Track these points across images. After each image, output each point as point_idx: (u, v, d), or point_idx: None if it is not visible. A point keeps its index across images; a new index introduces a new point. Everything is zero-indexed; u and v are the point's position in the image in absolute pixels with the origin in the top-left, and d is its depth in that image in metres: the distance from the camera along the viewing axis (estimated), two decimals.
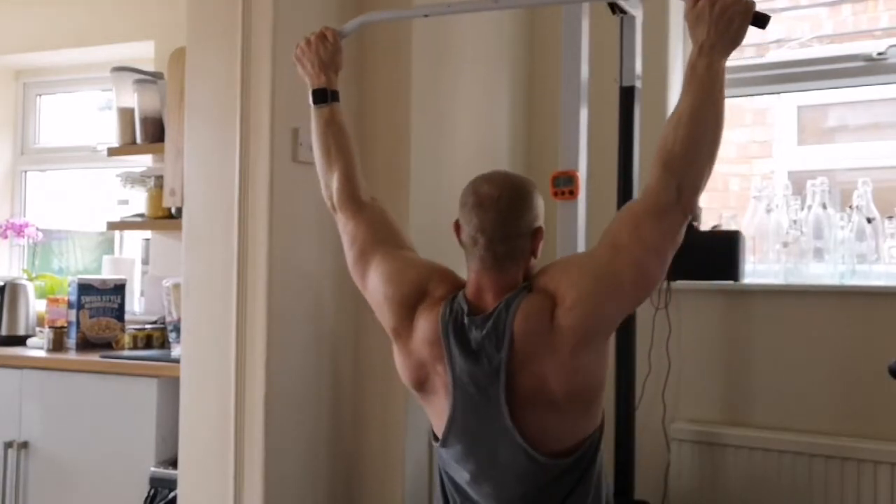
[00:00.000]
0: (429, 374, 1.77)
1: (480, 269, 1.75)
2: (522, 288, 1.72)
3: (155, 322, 3.25)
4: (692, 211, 1.67)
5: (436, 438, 1.81)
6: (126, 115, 3.28)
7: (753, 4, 1.62)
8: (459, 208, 1.79)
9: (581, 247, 2.19)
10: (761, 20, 1.63)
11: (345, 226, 1.98)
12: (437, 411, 1.80)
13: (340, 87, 2.07)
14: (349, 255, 1.96)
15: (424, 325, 1.76)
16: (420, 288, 1.81)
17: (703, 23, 1.60)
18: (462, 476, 1.77)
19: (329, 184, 2.01)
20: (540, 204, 1.80)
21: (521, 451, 1.69)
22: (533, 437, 1.69)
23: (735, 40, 1.62)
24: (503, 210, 1.73)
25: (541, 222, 1.79)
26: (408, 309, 1.79)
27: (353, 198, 1.98)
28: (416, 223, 2.48)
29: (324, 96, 1.99)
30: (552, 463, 1.70)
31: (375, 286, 1.86)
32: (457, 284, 1.81)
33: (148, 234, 3.58)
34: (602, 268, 1.68)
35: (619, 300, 1.71)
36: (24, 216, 4.07)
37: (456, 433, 1.75)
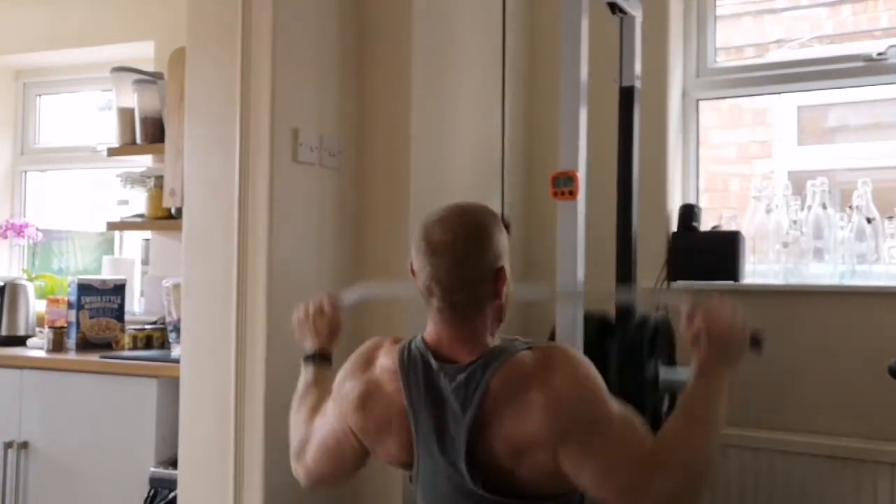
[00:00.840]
0: (401, 438, 1.67)
1: (440, 321, 1.64)
2: (514, 346, 1.61)
3: (155, 322, 3.25)
4: None
5: (410, 478, 1.73)
6: (126, 115, 3.28)
7: (747, 328, 1.62)
8: (413, 251, 1.66)
9: (581, 247, 2.19)
10: (757, 344, 1.66)
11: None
12: (402, 453, 1.71)
13: (341, 87, 2.06)
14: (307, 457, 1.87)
15: (382, 372, 1.68)
16: (363, 366, 1.73)
17: (701, 346, 1.60)
18: None
19: (297, 434, 1.91)
20: (501, 241, 1.65)
21: (486, 501, 1.60)
22: (500, 492, 1.60)
23: (733, 361, 1.62)
24: (458, 256, 1.60)
25: (503, 262, 1.64)
26: (360, 399, 1.70)
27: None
28: (415, 223, 2.48)
29: (312, 358, 1.95)
30: None
31: (329, 432, 1.78)
32: (395, 339, 1.73)
33: (148, 234, 3.58)
34: (598, 438, 1.55)
35: (580, 469, 1.56)
36: (24, 216, 4.08)
37: (422, 484, 1.68)
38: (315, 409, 1.87)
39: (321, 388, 1.90)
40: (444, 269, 1.60)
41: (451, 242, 1.60)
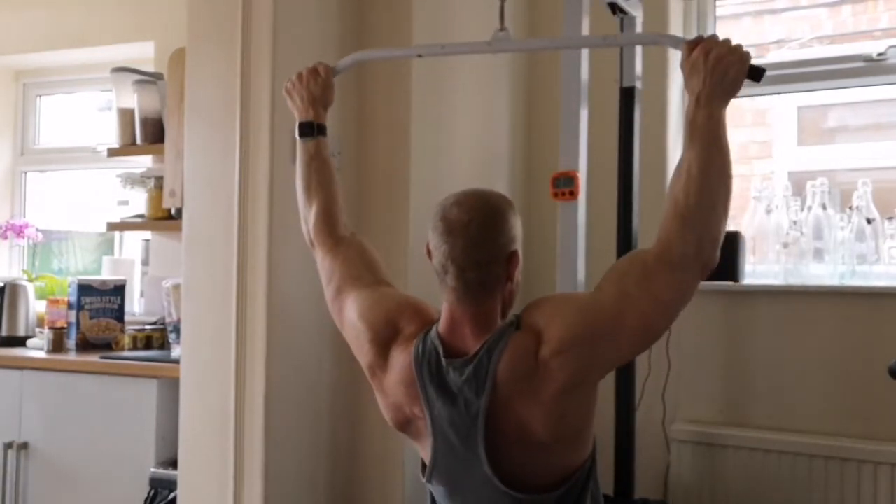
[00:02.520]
0: (407, 416, 1.71)
1: (453, 301, 1.65)
2: (507, 326, 1.63)
3: (155, 323, 3.25)
4: (714, 265, 1.58)
5: (423, 471, 1.75)
6: (126, 115, 3.28)
7: (749, 55, 1.59)
8: (430, 232, 1.69)
9: (581, 247, 2.19)
10: (757, 73, 1.61)
11: (322, 261, 1.91)
12: (422, 448, 1.74)
13: (341, 87, 2.06)
14: (327, 291, 1.88)
15: (397, 365, 1.69)
16: (392, 325, 1.73)
17: (699, 73, 1.57)
18: None
19: (307, 218, 1.96)
20: (515, 225, 1.68)
21: (505, 496, 1.62)
22: (516, 480, 1.62)
23: (731, 90, 1.58)
24: (473, 236, 1.62)
25: (516, 246, 1.67)
26: (381, 347, 1.72)
27: (330, 232, 1.92)
28: (416, 224, 2.49)
29: (310, 130, 1.94)
30: (538, 499, 1.64)
31: (350, 323, 1.79)
32: (428, 320, 1.73)
33: (148, 234, 3.58)
34: (603, 313, 1.59)
35: (615, 350, 1.62)
36: (24, 217, 4.07)
37: (438, 476, 1.70)
38: (323, 183, 1.93)
39: (324, 161, 1.95)
40: (460, 247, 1.63)
41: (467, 222, 1.63)
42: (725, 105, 1.59)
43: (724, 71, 1.56)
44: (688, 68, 1.59)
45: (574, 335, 1.58)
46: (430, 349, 1.66)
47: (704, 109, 1.56)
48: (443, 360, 1.64)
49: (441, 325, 1.68)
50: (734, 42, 1.58)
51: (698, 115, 1.57)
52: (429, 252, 1.70)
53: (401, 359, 1.69)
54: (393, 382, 1.70)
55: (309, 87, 1.95)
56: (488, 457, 1.61)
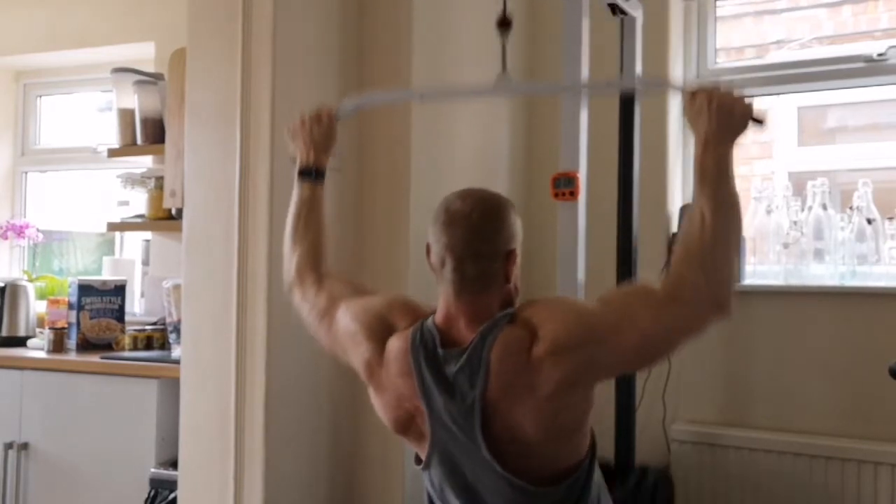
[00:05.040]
0: (407, 409, 1.70)
1: (450, 294, 1.65)
2: (502, 317, 1.63)
3: (155, 323, 3.25)
4: (728, 304, 1.59)
5: (418, 461, 1.75)
6: (126, 116, 3.28)
7: (751, 104, 1.62)
8: (430, 226, 1.69)
9: (581, 247, 2.19)
10: (759, 119, 1.64)
11: (304, 295, 1.90)
12: (421, 444, 1.73)
13: (342, 88, 2.06)
14: (311, 318, 1.88)
15: (393, 356, 1.69)
16: (386, 322, 1.73)
17: (703, 117, 1.60)
18: (451, 500, 1.73)
19: (290, 258, 1.94)
20: (515, 224, 1.69)
21: (505, 480, 1.63)
22: (516, 469, 1.62)
23: (738, 130, 1.61)
24: (474, 228, 1.64)
25: (515, 245, 1.67)
26: (377, 342, 1.72)
27: (313, 267, 1.91)
28: (416, 225, 2.49)
29: (308, 175, 1.95)
30: (540, 492, 1.64)
31: (344, 328, 1.79)
32: (421, 314, 1.73)
33: (148, 235, 3.58)
34: (602, 323, 1.59)
35: (609, 364, 1.62)
36: (25, 217, 4.07)
37: (439, 459, 1.69)
38: (311, 227, 1.92)
39: (317, 205, 1.94)
40: (460, 238, 1.64)
41: (468, 214, 1.65)
42: (732, 145, 1.61)
43: (729, 114, 1.59)
44: (693, 113, 1.62)
45: (570, 339, 1.58)
46: (426, 338, 1.66)
47: (713, 153, 1.59)
48: (439, 349, 1.64)
49: (437, 316, 1.69)
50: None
51: (707, 160, 1.60)
52: (428, 250, 1.70)
53: (397, 346, 1.69)
54: (390, 374, 1.70)
55: (312, 133, 1.96)
56: (487, 444, 1.61)
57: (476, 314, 1.64)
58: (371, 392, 1.77)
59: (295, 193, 1.97)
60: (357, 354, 1.76)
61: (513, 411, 1.59)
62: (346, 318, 1.79)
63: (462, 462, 1.67)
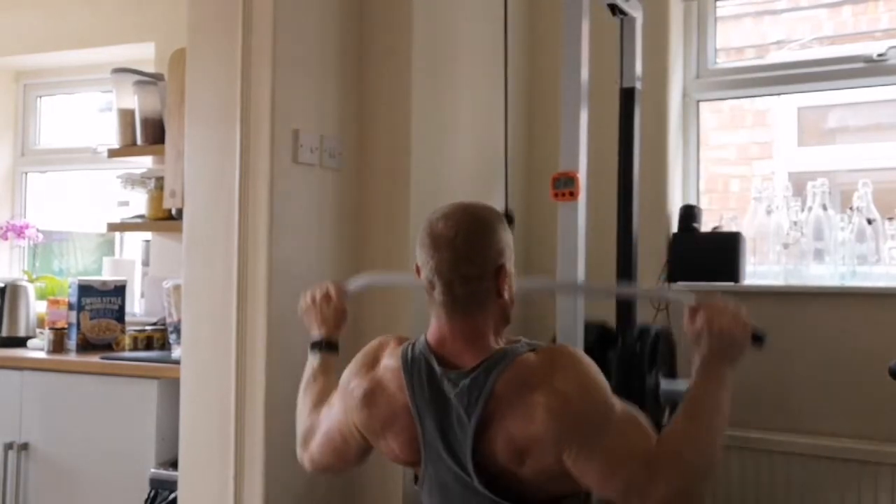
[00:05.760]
0: (408, 437, 1.68)
1: (442, 315, 1.64)
2: (514, 350, 1.61)
3: (155, 323, 3.25)
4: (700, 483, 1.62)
5: (416, 480, 1.75)
6: (126, 116, 3.28)
7: (749, 325, 1.64)
8: (417, 248, 1.68)
9: (582, 247, 2.19)
10: (759, 340, 1.67)
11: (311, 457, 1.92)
12: (412, 462, 1.73)
13: (342, 88, 2.06)
14: (302, 438, 1.92)
15: (386, 378, 1.69)
16: (373, 360, 1.75)
17: (704, 341, 1.63)
18: None
19: (304, 422, 1.94)
20: (503, 239, 1.66)
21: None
22: (506, 493, 1.61)
23: (736, 356, 1.64)
24: (459, 249, 1.61)
25: (504, 260, 1.65)
26: (369, 380, 1.72)
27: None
28: (416, 225, 2.48)
29: (318, 346, 1.97)
30: None
31: (337, 395, 1.80)
32: (403, 339, 1.74)
33: (148, 235, 3.58)
34: (606, 434, 1.56)
35: (587, 463, 1.57)
36: (25, 217, 4.08)
37: (429, 484, 1.69)
38: (321, 397, 1.90)
39: (328, 375, 1.93)
40: (447, 262, 1.62)
41: (453, 237, 1.62)
42: (730, 371, 1.64)
43: (731, 339, 1.62)
44: (693, 335, 1.65)
45: (571, 415, 1.55)
46: (419, 357, 1.66)
47: (713, 377, 1.63)
48: (436, 368, 1.63)
49: (430, 336, 1.67)
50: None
51: (705, 382, 1.63)
52: (417, 270, 1.69)
53: (389, 364, 1.70)
54: (385, 400, 1.69)
55: (322, 311, 1.98)
56: (477, 472, 1.60)
57: (470, 334, 1.64)
58: (377, 443, 1.75)
59: (308, 363, 1.99)
60: (352, 399, 1.75)
61: (509, 432, 1.57)
62: (332, 420, 1.81)
63: (453, 490, 1.65)
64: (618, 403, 1.60)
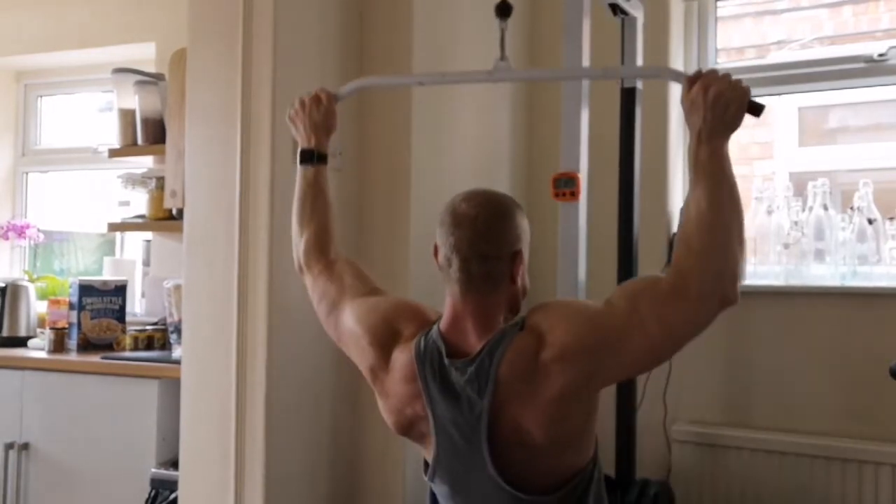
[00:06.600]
0: (410, 417, 1.70)
1: (457, 293, 1.66)
2: (510, 327, 1.63)
3: (156, 323, 3.25)
4: (734, 299, 1.54)
5: (426, 471, 1.75)
6: (127, 116, 3.29)
7: (748, 90, 1.59)
8: (438, 228, 1.69)
9: (582, 247, 2.19)
10: (756, 108, 1.61)
11: (314, 282, 1.92)
12: (425, 449, 1.74)
13: (341, 82, 2.06)
14: (320, 310, 1.89)
15: (399, 365, 1.69)
16: (391, 327, 1.74)
17: (698, 110, 1.57)
18: None
19: (298, 244, 1.96)
20: (521, 226, 1.69)
21: (508, 495, 1.62)
22: (519, 480, 1.62)
23: (732, 126, 1.58)
24: (479, 229, 1.64)
25: (521, 246, 1.68)
26: (381, 348, 1.72)
27: (321, 256, 1.93)
28: (416, 224, 2.49)
29: (310, 157, 1.95)
30: (540, 500, 1.63)
31: (349, 330, 1.80)
32: (426, 321, 1.73)
33: (149, 235, 3.58)
34: (611, 328, 1.58)
35: (618, 366, 1.61)
36: (26, 217, 4.08)
37: (441, 475, 1.70)
38: (317, 210, 1.94)
39: (322, 188, 1.95)
40: (466, 239, 1.64)
41: (474, 216, 1.65)
42: (727, 139, 1.59)
43: (725, 107, 1.57)
44: (687, 105, 1.60)
45: (578, 344, 1.57)
46: (431, 348, 1.66)
47: (707, 146, 1.57)
48: (445, 359, 1.64)
49: (443, 323, 1.68)
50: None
51: (701, 153, 1.57)
52: (435, 251, 1.71)
53: (402, 357, 1.69)
54: (395, 382, 1.70)
55: (311, 114, 1.95)
56: (492, 456, 1.61)
57: (482, 315, 1.65)
58: (376, 393, 1.77)
59: (298, 177, 1.97)
60: (361, 359, 1.77)
61: (520, 417, 1.59)
62: (351, 320, 1.80)
63: (465, 477, 1.66)
64: (602, 301, 1.62)
